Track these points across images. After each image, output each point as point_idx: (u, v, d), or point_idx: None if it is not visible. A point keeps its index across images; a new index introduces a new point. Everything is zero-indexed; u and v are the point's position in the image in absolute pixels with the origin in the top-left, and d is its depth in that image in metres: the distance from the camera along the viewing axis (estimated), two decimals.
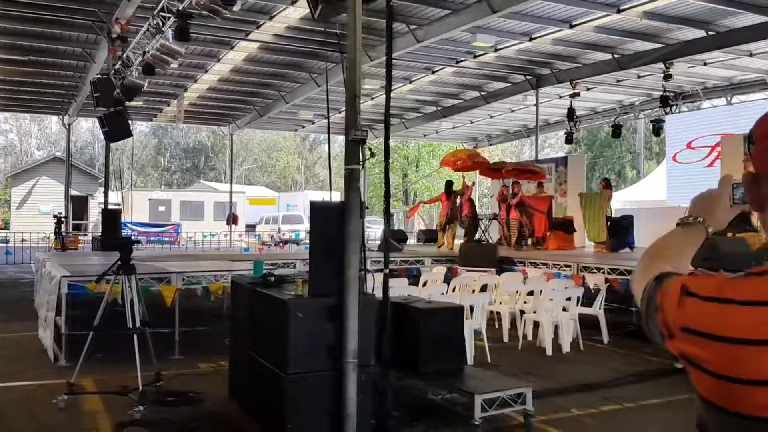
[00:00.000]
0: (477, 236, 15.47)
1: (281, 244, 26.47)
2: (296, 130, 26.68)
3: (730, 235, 10.83)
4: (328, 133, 7.32)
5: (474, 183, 20.76)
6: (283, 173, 51.88)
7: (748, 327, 1.12)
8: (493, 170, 16.40)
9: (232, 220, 23.98)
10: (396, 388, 6.14)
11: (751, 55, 14.81)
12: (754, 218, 12.93)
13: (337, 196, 12.00)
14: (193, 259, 12.18)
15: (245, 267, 9.24)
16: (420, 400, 6.27)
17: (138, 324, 6.11)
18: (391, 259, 8.56)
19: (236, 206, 26.67)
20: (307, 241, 27.63)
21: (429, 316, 6.33)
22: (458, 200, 15.63)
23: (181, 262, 10.51)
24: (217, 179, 47.19)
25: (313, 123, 23.70)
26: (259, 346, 5.86)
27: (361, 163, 5.36)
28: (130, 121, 14.33)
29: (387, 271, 5.93)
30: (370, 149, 5.38)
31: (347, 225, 5.34)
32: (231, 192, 25.03)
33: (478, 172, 17.66)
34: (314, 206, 5.75)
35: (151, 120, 24.00)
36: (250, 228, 30.61)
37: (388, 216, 5.97)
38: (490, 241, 15.46)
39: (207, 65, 16.50)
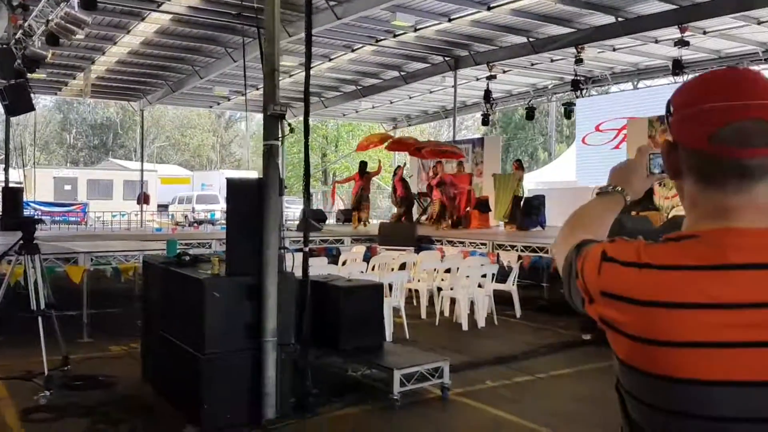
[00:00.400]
0: (421, 216, 15.72)
1: (195, 225, 25.86)
2: (211, 107, 26.00)
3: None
4: (246, 109, 7.11)
5: (405, 164, 20.91)
6: (197, 151, 50.53)
7: (664, 290, 1.16)
8: (416, 150, 16.56)
9: (143, 199, 23.19)
10: (316, 366, 6.14)
11: (657, 41, 15.40)
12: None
13: (255, 176, 11.78)
14: (101, 239, 11.73)
15: (158, 247, 8.98)
16: (340, 377, 6.30)
17: (43, 306, 5.85)
18: (310, 238, 8.53)
19: (147, 185, 25.76)
20: (223, 222, 27.08)
21: (349, 294, 6.37)
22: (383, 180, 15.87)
23: (90, 242, 10.12)
24: (127, 157, 45.47)
25: (228, 100, 23.12)
26: (174, 327, 5.73)
27: (280, 139, 5.28)
28: (32, 95, 13.58)
29: (307, 249, 5.90)
30: (289, 125, 5.32)
31: (266, 202, 5.27)
32: (142, 170, 24.19)
33: (405, 153, 17.70)
34: (231, 183, 5.63)
35: (56, 94, 22.84)
36: (163, 208, 29.70)
37: (308, 195, 5.92)
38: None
39: (116, 37, 15.79)
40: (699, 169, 1.23)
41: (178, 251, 6.28)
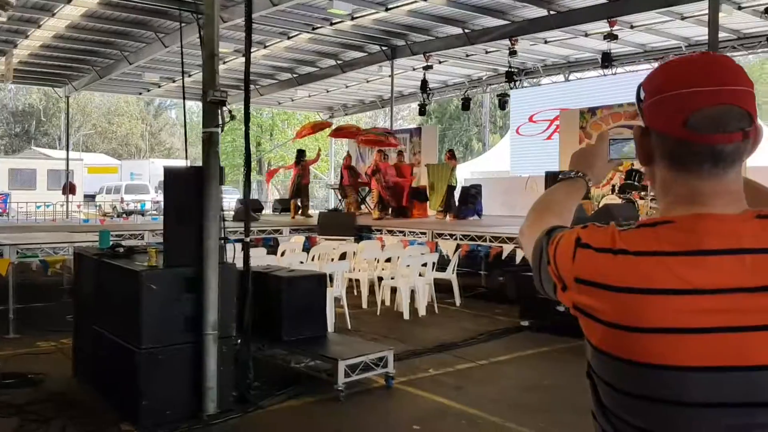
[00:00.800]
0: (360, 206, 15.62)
1: (125, 216, 25.07)
2: (141, 94, 25.19)
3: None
4: (183, 97, 6.91)
5: (319, 152, 20.72)
6: (125, 140, 48.92)
7: (639, 276, 1.16)
8: (348, 134, 16.52)
9: (69, 189, 22.29)
10: (257, 359, 6.01)
11: (587, 35, 15.73)
12: None
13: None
14: (26, 230, 11.20)
15: (88, 238, 8.62)
16: (283, 369, 6.19)
17: None
18: (235, 228, 8.35)
19: (73, 175, 24.74)
20: (154, 212, 26.33)
21: (291, 284, 6.26)
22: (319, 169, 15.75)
23: (14, 234, 9.63)
24: (51, 146, 43.63)
25: (159, 86, 22.47)
26: (109, 322, 5.50)
27: (220, 126, 5.11)
28: None
29: (248, 240, 5.75)
30: (230, 112, 5.15)
31: (206, 192, 5.10)
32: (67, 159, 23.21)
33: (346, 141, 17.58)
34: (169, 172, 5.42)
35: None
36: (89, 198, 28.66)
37: (248, 184, 5.76)
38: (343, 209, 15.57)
39: (40, 20, 15.06)
40: (672, 155, 1.22)
41: (111, 243, 6.02)
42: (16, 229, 11.25)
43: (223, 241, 5.29)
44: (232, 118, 5.20)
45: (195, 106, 44.16)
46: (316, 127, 17.11)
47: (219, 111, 5.12)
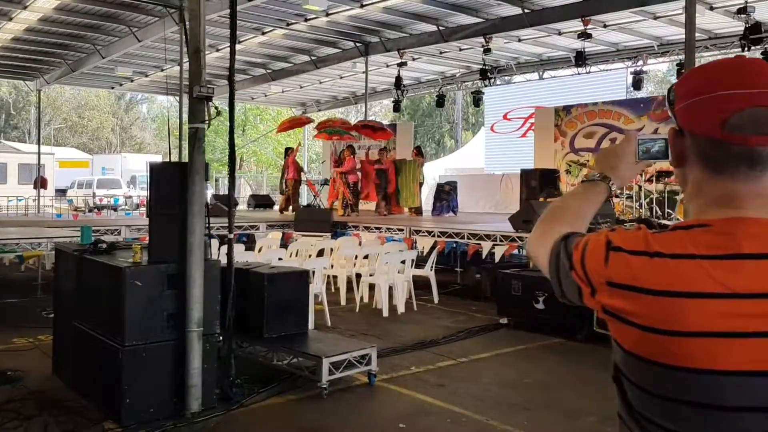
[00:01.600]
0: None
1: (97, 210, 24.64)
2: (113, 88, 24.78)
3: (542, 199, 11.69)
4: (181, 92, 6.77)
5: (300, 144, 20.66)
6: (96, 134, 48.09)
7: (677, 279, 1.14)
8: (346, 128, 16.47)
9: (41, 183, 21.85)
10: (239, 356, 5.95)
11: (560, 33, 15.84)
12: (562, 184, 14.05)
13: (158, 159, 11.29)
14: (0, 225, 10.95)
15: (65, 234, 8.46)
16: (265, 366, 6.12)
17: None
18: (221, 224, 8.26)
19: (44, 169, 24.27)
20: (126, 207, 25.87)
21: (273, 281, 6.19)
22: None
23: None
24: (21, 139, 42.68)
25: (132, 81, 22.14)
26: (91, 318, 5.39)
27: (206, 121, 5.03)
28: None
29: (232, 236, 5.68)
30: (216, 107, 5.07)
31: (191, 188, 5.01)
32: (39, 153, 22.74)
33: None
34: (154, 167, 5.32)
35: None
36: (61, 193, 28.11)
37: (233, 178, 5.68)
38: (322, 206, 15.46)
39: (11, 12, 14.73)
40: (707, 156, 1.21)
41: (93, 238, 5.89)
42: None
43: (208, 238, 5.21)
44: (218, 113, 5.13)
45: (167, 101, 43.72)
46: (294, 122, 17.04)
47: (205, 106, 5.04)
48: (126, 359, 4.85)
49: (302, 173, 16.42)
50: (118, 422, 4.83)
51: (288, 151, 16.15)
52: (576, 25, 14.33)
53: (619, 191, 11.60)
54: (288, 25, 16.10)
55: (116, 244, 5.83)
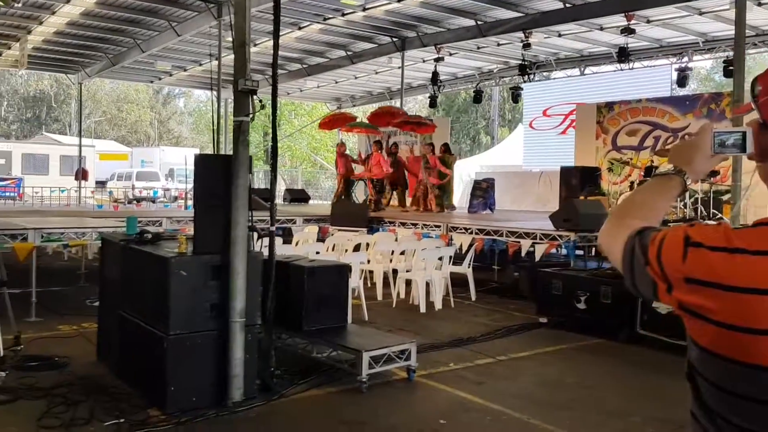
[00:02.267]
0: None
1: (136, 202, 25.10)
2: (152, 82, 25.19)
3: (582, 198, 11.58)
4: (219, 86, 6.87)
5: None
6: (134, 127, 48.95)
7: (758, 276, 1.12)
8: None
9: (82, 175, 22.32)
10: (279, 348, 6.02)
11: (602, 29, 15.64)
12: (604, 183, 13.90)
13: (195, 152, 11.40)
14: (44, 215, 11.21)
15: (108, 224, 8.63)
16: (304, 358, 6.18)
17: None
18: (259, 217, 8.32)
19: (85, 161, 24.78)
20: (165, 200, 26.27)
21: (313, 274, 6.24)
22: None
23: (33, 218, 9.63)
24: (61, 131, 43.62)
25: (170, 75, 22.46)
26: (136, 307, 5.50)
27: (251, 115, 5.10)
28: None
29: (273, 229, 5.74)
30: (260, 101, 5.13)
31: (235, 180, 5.08)
32: (80, 145, 23.23)
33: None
34: (199, 159, 5.41)
35: None
36: (100, 184, 28.70)
37: (275, 172, 5.74)
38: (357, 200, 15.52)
39: (54, 6, 15.04)
40: None
41: (138, 229, 6.01)
42: (33, 214, 11.26)
43: (251, 231, 5.28)
44: (263, 107, 5.18)
45: (204, 95, 44.20)
46: (337, 119, 17.06)
47: (249, 100, 5.10)
48: (170, 348, 4.94)
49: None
50: (162, 409, 4.92)
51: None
52: (619, 20, 14.14)
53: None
54: (325, 20, 16.17)
55: (161, 234, 5.94)
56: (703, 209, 10.97)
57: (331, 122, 17.56)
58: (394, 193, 15.80)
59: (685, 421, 1.34)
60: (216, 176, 5.19)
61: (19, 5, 12.80)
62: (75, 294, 9.06)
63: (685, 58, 16.20)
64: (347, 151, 16.92)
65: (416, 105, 37.83)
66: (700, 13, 13.77)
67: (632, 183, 12.69)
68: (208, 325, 5.14)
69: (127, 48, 18.69)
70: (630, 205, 1.47)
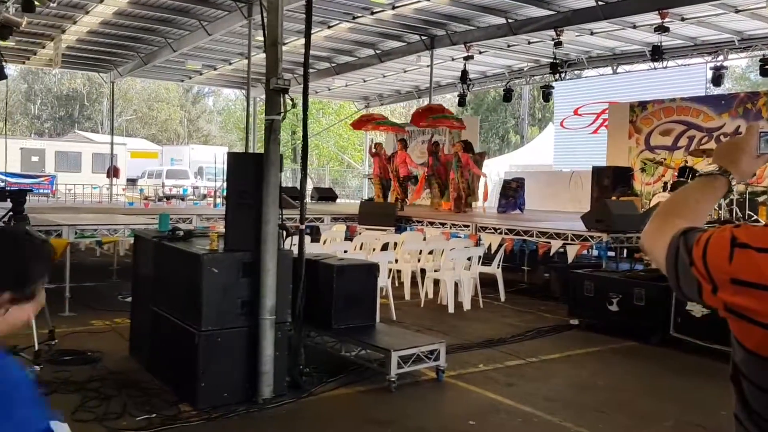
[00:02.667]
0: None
1: (166, 200, 25.42)
2: (182, 81, 25.48)
3: (614, 198, 11.45)
4: (248, 85, 6.93)
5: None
6: (165, 126, 49.60)
7: None
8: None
9: (113, 173, 22.68)
10: (308, 345, 6.05)
11: (635, 27, 15.45)
12: (636, 183, 13.73)
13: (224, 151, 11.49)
14: (78, 211, 11.40)
15: (140, 221, 8.75)
16: (333, 357, 6.20)
17: None
18: (288, 215, 8.37)
19: (117, 159, 25.20)
20: (195, 197, 26.47)
21: (342, 273, 6.26)
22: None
23: (67, 215, 9.81)
24: (93, 129, 44.38)
25: (201, 74, 22.70)
26: (167, 303, 5.57)
27: (282, 113, 5.13)
28: (3, 63, 13.08)
29: (303, 226, 5.77)
30: (291, 99, 5.15)
31: (266, 178, 5.12)
32: (112, 143, 23.61)
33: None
34: (231, 158, 5.46)
35: (23, 63, 22.09)
36: (131, 182, 29.13)
37: (305, 170, 5.77)
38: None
39: (88, 6, 15.28)
40: None
41: (170, 226, 6.09)
42: (67, 210, 11.46)
43: (281, 229, 5.31)
44: (294, 105, 5.21)
45: (233, 94, 44.61)
46: (365, 120, 17.18)
47: (281, 99, 5.13)
48: (202, 344, 5.00)
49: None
50: (194, 405, 4.97)
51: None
52: (652, 18, 13.95)
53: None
54: (354, 18, 16.20)
55: (192, 231, 6.01)
56: (738, 211, 10.79)
57: (361, 123, 17.66)
58: (431, 190, 15.63)
59: (718, 426, 1.33)
60: (247, 174, 5.23)
61: (54, 5, 13.01)
62: (108, 290, 9.21)
63: (720, 57, 15.93)
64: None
65: (445, 104, 37.68)
66: (736, 11, 13.53)
67: (665, 183, 12.52)
68: (239, 321, 5.18)
69: (158, 47, 18.92)
70: (674, 206, 1.46)
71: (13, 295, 1.54)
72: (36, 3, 10.51)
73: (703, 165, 11.97)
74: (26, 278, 1.59)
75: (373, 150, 15.99)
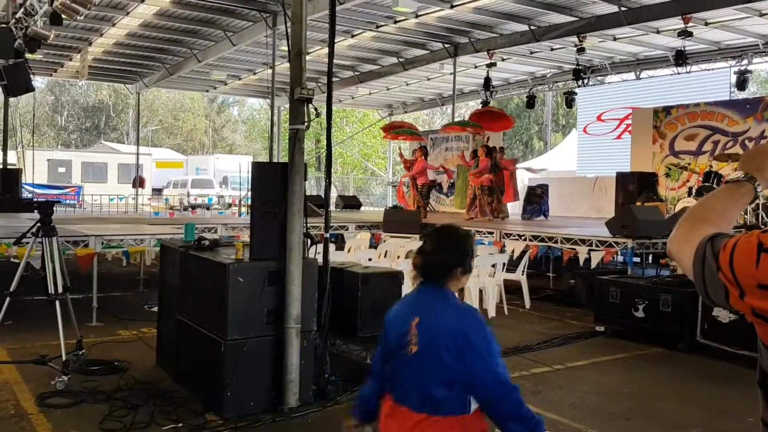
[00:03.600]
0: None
1: (192, 209, 25.65)
2: (207, 91, 25.73)
3: (639, 203, 11.33)
4: (273, 95, 6.98)
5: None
6: (190, 135, 50.11)
7: None
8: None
9: (139, 183, 22.94)
10: (334, 354, 6.04)
11: (658, 32, 15.32)
12: (660, 188, 13.59)
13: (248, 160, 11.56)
14: (104, 222, 11.55)
15: (166, 231, 8.83)
16: (360, 365, 6.19)
17: (60, 290, 5.69)
18: (313, 224, 8.40)
19: (142, 169, 25.48)
20: (220, 207, 26.67)
21: (367, 281, 6.26)
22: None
23: (93, 225, 9.93)
24: (119, 140, 44.98)
25: (225, 84, 22.91)
26: (194, 312, 5.60)
27: (306, 123, 5.15)
28: (31, 75, 13.30)
29: (327, 235, 5.78)
30: (315, 109, 5.18)
31: (291, 187, 5.14)
32: (138, 153, 23.87)
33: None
34: (256, 167, 5.49)
35: (51, 75, 22.46)
36: (157, 192, 29.43)
37: (329, 178, 5.78)
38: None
39: (114, 18, 15.52)
40: None
41: (196, 235, 6.13)
42: (94, 221, 11.62)
43: (305, 237, 5.33)
44: (318, 115, 5.23)
45: (257, 104, 44.99)
46: (393, 127, 17.23)
47: (305, 108, 5.15)
48: (228, 353, 5.01)
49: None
50: (220, 414, 4.99)
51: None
52: (675, 23, 13.83)
53: None
54: (377, 27, 16.26)
55: (218, 241, 6.04)
56: (765, 215, 10.62)
57: (395, 131, 17.72)
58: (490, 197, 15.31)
59: None
60: (272, 183, 5.25)
61: (82, 18, 13.22)
62: (134, 299, 9.30)
63: (745, 61, 15.74)
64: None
65: (468, 111, 37.66)
66: (761, 15, 13.36)
67: (690, 188, 12.37)
68: (265, 330, 5.20)
69: (183, 58, 19.15)
70: (701, 212, 1.45)
71: (463, 270, 2.50)
72: (63, 17, 10.66)
73: (729, 169, 11.81)
74: (470, 257, 2.54)
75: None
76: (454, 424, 2.34)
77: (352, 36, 17.24)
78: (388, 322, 2.59)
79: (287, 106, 6.60)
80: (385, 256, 9.55)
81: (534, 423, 2.35)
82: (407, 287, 8.08)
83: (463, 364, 2.30)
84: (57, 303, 5.64)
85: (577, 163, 20.21)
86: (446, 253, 2.50)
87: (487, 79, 18.86)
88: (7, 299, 5.64)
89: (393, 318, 2.57)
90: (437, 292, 2.47)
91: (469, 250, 2.53)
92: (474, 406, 2.37)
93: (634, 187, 12.62)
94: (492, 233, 10.75)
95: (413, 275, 2.53)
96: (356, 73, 21.39)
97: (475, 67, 19.43)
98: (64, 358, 5.54)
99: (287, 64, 16.49)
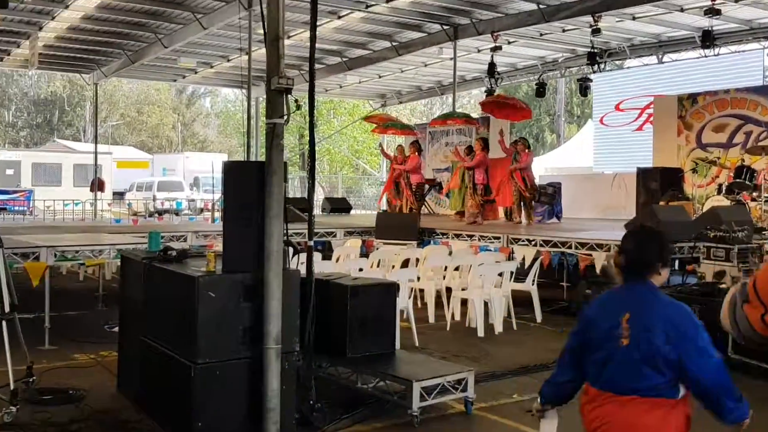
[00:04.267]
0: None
1: (158, 215, 25.60)
2: (175, 81, 25.71)
3: (663, 203, 11.38)
4: (249, 84, 6.99)
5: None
6: (156, 131, 50.09)
7: None
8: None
9: (98, 185, 22.91)
10: (320, 377, 6.05)
11: (682, 10, 15.40)
12: (687, 186, 13.65)
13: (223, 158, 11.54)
14: (57, 231, 11.50)
15: (128, 240, 8.82)
16: (348, 389, 6.20)
17: (7, 309, 5.67)
18: (295, 230, 8.40)
19: (102, 170, 25.41)
20: (190, 212, 26.59)
21: (357, 294, 6.28)
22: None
23: (46, 235, 9.90)
24: (75, 137, 44.92)
25: (196, 72, 22.91)
26: (159, 332, 5.60)
27: (285, 116, 5.15)
28: None
29: (312, 243, 5.79)
30: (296, 100, 5.19)
31: (269, 189, 5.13)
32: (96, 153, 23.86)
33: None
34: (228, 167, 5.49)
35: None
36: (119, 195, 29.39)
37: (313, 179, 5.79)
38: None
39: (67, 0, 15.51)
40: None
41: (162, 245, 6.13)
42: (45, 230, 11.58)
43: (286, 246, 5.33)
44: (299, 107, 5.24)
45: (232, 94, 45.02)
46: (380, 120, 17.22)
47: (284, 100, 5.16)
48: (198, 378, 5.01)
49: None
50: None
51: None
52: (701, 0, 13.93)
53: (756, 194, 11.13)
54: (367, 7, 16.27)
55: (187, 251, 6.04)
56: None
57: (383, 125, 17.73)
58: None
59: None
60: (247, 185, 5.25)
61: (30, 0, 13.21)
62: (92, 318, 9.27)
63: None
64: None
65: (471, 100, 37.77)
66: None
67: (720, 185, 12.43)
68: (241, 352, 5.19)
69: (147, 43, 19.09)
70: None
71: (663, 264, 3.08)
72: None
73: (763, 163, 11.87)
74: (668, 252, 3.17)
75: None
76: (664, 405, 2.96)
77: (339, 17, 17.25)
78: (590, 318, 3.24)
79: (265, 97, 6.61)
80: (377, 266, 9.55)
81: (745, 402, 2.94)
82: (404, 300, 8.11)
83: (677, 353, 2.88)
84: (3, 324, 5.62)
85: (593, 157, 20.31)
86: (646, 250, 3.10)
87: (492, 65, 18.92)
88: None
89: (598, 313, 3.21)
90: (644, 288, 3.08)
91: (666, 245, 3.19)
92: (683, 391, 2.99)
93: (657, 185, 12.66)
94: (498, 238, 10.77)
95: (616, 272, 3.21)
96: (344, 60, 21.41)
97: (478, 51, 19.49)
98: (12, 386, 5.51)
99: (265, 50, 16.49)
